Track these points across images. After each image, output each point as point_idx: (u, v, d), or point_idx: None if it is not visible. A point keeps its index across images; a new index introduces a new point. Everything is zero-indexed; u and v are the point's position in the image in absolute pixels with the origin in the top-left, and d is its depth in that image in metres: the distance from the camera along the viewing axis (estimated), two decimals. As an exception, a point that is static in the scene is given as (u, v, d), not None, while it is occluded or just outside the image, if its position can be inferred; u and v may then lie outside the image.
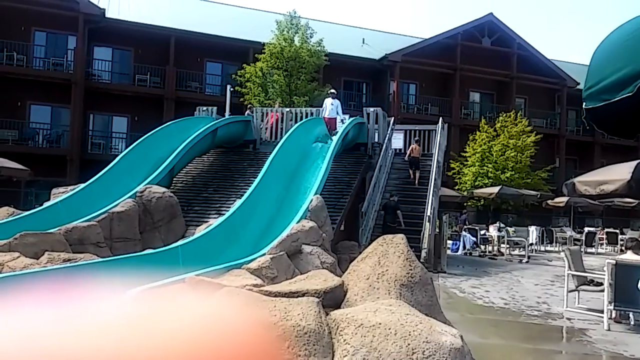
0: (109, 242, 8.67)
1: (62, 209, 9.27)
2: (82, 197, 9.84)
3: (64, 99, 23.44)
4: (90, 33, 24.33)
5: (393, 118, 16.84)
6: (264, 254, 6.57)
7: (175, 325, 1.11)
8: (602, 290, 7.15)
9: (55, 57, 24.15)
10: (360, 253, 5.59)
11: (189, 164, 13.63)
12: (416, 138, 16.08)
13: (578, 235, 21.43)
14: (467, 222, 20.46)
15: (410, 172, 14.74)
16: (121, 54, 25.95)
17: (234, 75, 22.94)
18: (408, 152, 15.19)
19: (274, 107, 16.98)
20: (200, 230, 8.30)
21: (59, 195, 10.29)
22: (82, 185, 10.35)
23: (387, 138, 15.26)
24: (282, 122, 15.85)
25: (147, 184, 10.28)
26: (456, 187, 25.01)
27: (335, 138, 12.50)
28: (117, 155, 12.06)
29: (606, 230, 22.46)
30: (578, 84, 29.54)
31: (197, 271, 5.11)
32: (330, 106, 14.83)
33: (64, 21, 23.55)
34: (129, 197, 9.62)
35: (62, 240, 7.48)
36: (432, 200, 12.92)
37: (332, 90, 15.98)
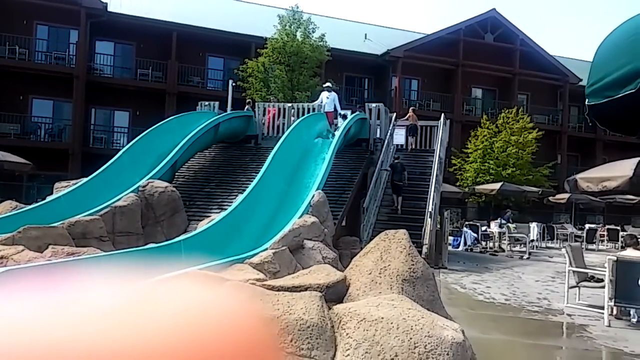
0: (112, 236, 8.71)
1: (64, 203, 9.31)
2: (84, 191, 9.88)
3: (66, 93, 23.45)
4: (92, 27, 24.32)
5: (395, 114, 16.84)
6: (266, 249, 6.60)
7: (175, 312, 1.12)
8: (603, 287, 7.17)
9: (57, 51, 24.15)
10: (362, 249, 5.63)
11: (191, 159, 13.65)
12: (412, 107, 16.98)
13: (579, 232, 21.46)
14: (510, 220, 20.45)
15: (410, 138, 15.02)
16: (123, 48, 25.93)
17: (236, 70, 22.92)
18: (406, 117, 15.76)
19: (271, 102, 16.96)
20: (203, 225, 8.33)
21: (61, 189, 10.33)
22: (85, 180, 10.38)
23: (388, 134, 15.26)
24: (279, 117, 15.86)
25: (150, 178, 10.32)
26: (457, 184, 25.02)
27: (337, 133, 12.52)
28: (118, 150, 12.10)
29: (607, 227, 22.48)
30: (580, 80, 29.48)
31: (200, 265, 5.14)
32: (326, 99, 14.86)
33: (66, 15, 23.53)
34: (132, 192, 9.66)
35: (65, 234, 7.52)
36: (433, 196, 12.94)
37: (327, 84, 15.96)
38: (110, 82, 25.03)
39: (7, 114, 22.60)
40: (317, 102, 15.34)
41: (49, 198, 9.89)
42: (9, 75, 22.81)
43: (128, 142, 13.63)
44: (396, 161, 13.88)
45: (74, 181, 10.81)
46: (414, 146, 15.51)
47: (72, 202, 9.36)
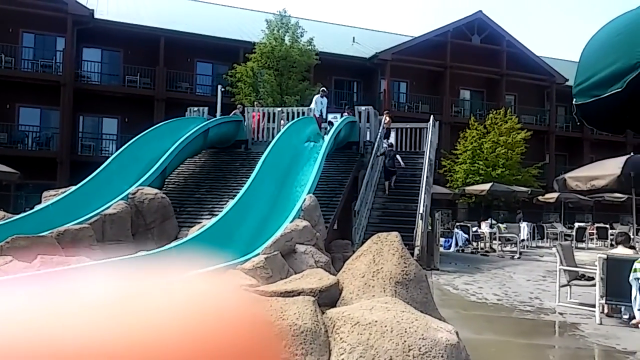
0: (102, 244, 8.63)
1: (53, 211, 9.22)
2: (73, 200, 9.79)
3: (53, 101, 23.26)
4: (79, 34, 24.15)
5: (385, 116, 16.88)
6: (258, 254, 6.57)
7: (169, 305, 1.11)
8: (594, 285, 7.22)
9: (43, 59, 23.96)
10: (354, 252, 5.62)
11: (181, 165, 13.59)
12: (386, 110, 17.31)
13: (568, 231, 21.62)
14: (521, 221, 20.69)
15: (385, 141, 15.31)
16: (110, 55, 25.78)
17: (224, 75, 22.88)
18: (383, 124, 16.04)
19: (255, 107, 16.95)
20: (194, 232, 8.28)
21: (50, 198, 10.23)
22: (74, 188, 10.29)
23: (378, 136, 15.30)
24: (266, 120, 15.87)
25: (139, 185, 10.25)
26: (448, 185, 25.13)
27: (327, 137, 12.53)
28: (107, 157, 12.01)
29: (596, 225, 22.68)
30: (567, 80, 29.77)
31: (191, 272, 5.09)
32: (320, 105, 14.93)
33: (52, 22, 23.36)
34: (121, 199, 9.59)
35: (54, 243, 7.44)
36: (424, 197, 12.97)
37: (324, 88, 16.05)
38: (98, 89, 24.85)
39: (-7, 122, 22.37)
40: (312, 106, 15.37)
41: (37, 207, 9.79)
42: (-5, 83, 22.59)
43: (117, 150, 13.55)
44: (389, 149, 14.52)
45: (62, 190, 10.71)
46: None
47: (61, 210, 9.27)
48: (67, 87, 23.30)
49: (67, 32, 23.45)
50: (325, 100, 15.19)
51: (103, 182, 10.56)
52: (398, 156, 14.56)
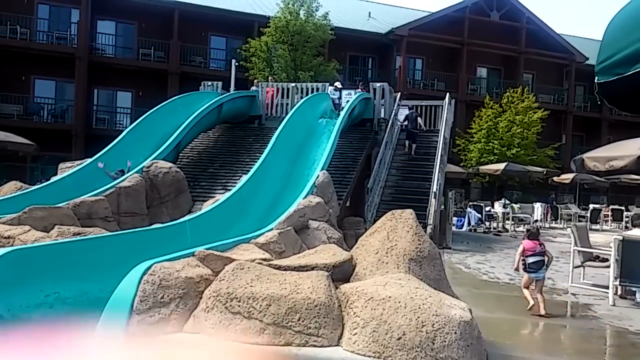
0: (117, 216, 8.73)
1: (69, 183, 9.32)
2: (89, 172, 9.88)
3: (68, 73, 23.33)
4: (94, 6, 24.02)
5: (399, 93, 16.70)
6: (271, 229, 6.60)
7: None
8: (608, 267, 7.17)
9: (58, 31, 23.95)
10: (366, 229, 5.61)
11: (195, 140, 13.61)
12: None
13: (583, 212, 21.42)
14: (554, 202, 20.57)
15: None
16: (125, 27, 25.68)
17: (238, 50, 22.70)
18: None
19: (269, 82, 16.82)
20: (207, 206, 8.32)
21: (66, 170, 10.33)
22: (89, 160, 10.38)
23: (393, 114, 15.15)
24: (277, 96, 15.76)
25: (154, 159, 10.30)
26: (461, 164, 24.94)
27: (341, 114, 12.43)
28: (122, 131, 12.06)
29: (611, 207, 22.44)
30: (587, 59, 29.12)
31: (206, 245, 5.14)
32: (332, 95, 14.79)
33: (66, -6, 23.30)
34: (136, 172, 9.65)
35: (70, 215, 7.54)
36: (437, 176, 12.89)
37: (338, 83, 15.77)
38: (112, 62, 24.84)
39: (9, 94, 22.52)
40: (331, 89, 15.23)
41: (53, 179, 9.90)
42: (11, 55, 22.66)
43: (131, 123, 13.59)
44: (411, 112, 15.17)
45: (78, 162, 10.80)
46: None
47: (77, 182, 9.37)
48: (81, 60, 23.33)
49: (82, 4, 23.38)
50: (338, 93, 14.99)
51: (118, 155, 10.62)
52: (419, 118, 15.24)
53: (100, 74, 24.10)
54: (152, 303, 3.80)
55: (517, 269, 6.56)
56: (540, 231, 7.67)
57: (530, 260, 6.35)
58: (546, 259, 6.41)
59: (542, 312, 6.14)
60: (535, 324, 6.00)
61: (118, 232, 6.57)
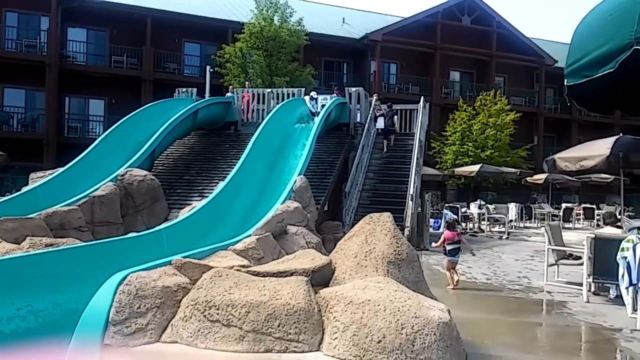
0: (91, 226, 8.57)
1: (41, 193, 9.11)
2: (61, 181, 9.67)
3: (38, 81, 22.86)
4: (64, 13, 23.63)
5: (375, 95, 16.81)
6: (249, 235, 6.55)
7: None
8: (582, 264, 7.32)
9: (28, 39, 23.46)
10: (344, 233, 5.64)
11: (170, 147, 13.48)
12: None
13: (556, 211, 21.85)
14: (536, 202, 20.91)
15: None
16: (96, 34, 25.32)
17: (213, 56, 22.58)
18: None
19: (246, 87, 16.75)
20: (184, 213, 8.23)
21: (37, 179, 10.10)
22: (61, 170, 10.16)
23: (369, 118, 15.25)
24: (253, 102, 15.70)
25: (128, 167, 10.15)
26: (437, 166, 25.21)
27: (317, 119, 12.46)
28: (94, 139, 11.85)
29: (583, 205, 22.94)
30: (556, 61, 29.81)
31: (183, 253, 5.07)
32: (309, 103, 14.79)
33: (36, 1, 22.83)
34: (110, 181, 9.49)
35: (42, 225, 7.37)
36: (414, 179, 13.01)
37: (313, 93, 15.76)
38: (84, 69, 24.42)
39: (-23, 104, 21.96)
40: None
41: (24, 189, 9.65)
42: (-22, 64, 22.12)
43: (104, 131, 13.38)
44: (387, 110, 15.41)
45: (49, 171, 10.57)
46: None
47: (49, 192, 9.15)
48: (52, 68, 22.88)
49: (52, 11, 22.96)
50: (314, 102, 14.96)
51: (91, 164, 10.43)
52: (396, 117, 15.61)
53: (71, 81, 23.68)
54: (129, 313, 3.74)
55: (440, 246, 8.10)
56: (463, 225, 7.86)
57: (449, 247, 7.74)
58: (461, 246, 7.84)
59: (454, 284, 7.63)
60: (512, 322, 6.09)
61: (92, 242, 6.44)
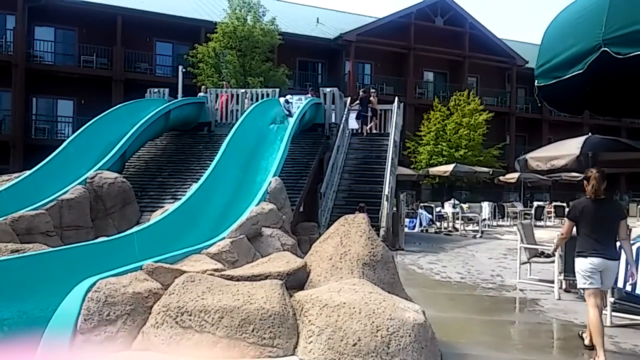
0: (59, 230, 8.34)
1: (6, 197, 8.82)
2: (28, 185, 9.39)
3: (4, 82, 22.23)
4: (30, 12, 23.02)
5: (350, 98, 16.84)
6: (223, 238, 6.46)
7: None
8: (553, 262, 7.44)
9: (-8, 38, 22.79)
10: (320, 234, 5.61)
11: (142, 148, 13.24)
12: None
13: (528, 210, 22.24)
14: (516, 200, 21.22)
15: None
16: (64, 34, 24.74)
17: (185, 56, 22.29)
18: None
19: (222, 88, 16.57)
20: (156, 216, 8.09)
21: (3, 183, 9.78)
22: (28, 172, 9.88)
23: (343, 118, 15.25)
24: (231, 102, 15.53)
25: (98, 169, 9.93)
26: (412, 166, 25.42)
27: (292, 119, 12.40)
28: (63, 141, 11.56)
29: (554, 204, 23.41)
30: (527, 62, 30.38)
31: (155, 258, 4.97)
32: (286, 105, 14.72)
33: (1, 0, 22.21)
34: (79, 184, 9.27)
35: (8, 230, 7.15)
36: (389, 179, 13.06)
37: (288, 97, 15.66)
38: (52, 69, 23.84)
39: (-61, 105, 21.22)
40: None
41: (-11, 193, 9.34)
42: (-60, 63, 21.37)
43: (73, 132, 13.07)
44: (363, 94, 16.06)
45: (15, 174, 10.27)
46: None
47: (15, 196, 8.87)
48: (18, 68, 22.28)
49: (18, 10, 22.34)
50: (289, 105, 14.87)
51: (59, 166, 10.17)
52: (372, 97, 16.03)
53: (39, 81, 23.08)
54: (97, 321, 3.63)
55: None
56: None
57: None
58: None
59: None
60: (486, 321, 6.15)
61: (60, 247, 6.26)
